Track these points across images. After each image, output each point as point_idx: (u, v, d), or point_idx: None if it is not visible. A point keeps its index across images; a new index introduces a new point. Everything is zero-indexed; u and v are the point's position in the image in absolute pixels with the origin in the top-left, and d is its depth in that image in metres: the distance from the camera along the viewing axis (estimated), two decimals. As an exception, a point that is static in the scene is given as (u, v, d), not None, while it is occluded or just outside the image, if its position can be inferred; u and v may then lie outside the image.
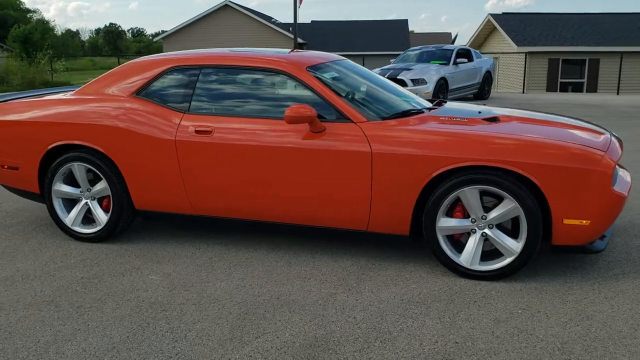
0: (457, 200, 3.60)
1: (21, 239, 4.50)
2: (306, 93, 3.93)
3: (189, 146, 3.98)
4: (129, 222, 4.39)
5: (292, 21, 23.39)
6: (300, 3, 24.39)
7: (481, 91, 15.86)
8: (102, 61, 70.48)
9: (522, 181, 3.50)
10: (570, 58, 24.07)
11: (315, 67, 4.08)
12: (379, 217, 3.74)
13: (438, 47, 15.63)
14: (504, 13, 28.01)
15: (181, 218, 4.24)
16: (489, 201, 3.65)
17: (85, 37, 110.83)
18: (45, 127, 4.29)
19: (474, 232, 3.64)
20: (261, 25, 36.71)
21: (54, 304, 3.36)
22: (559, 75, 24.13)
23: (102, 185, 4.27)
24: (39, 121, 4.32)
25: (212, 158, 3.95)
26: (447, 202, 3.58)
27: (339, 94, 3.89)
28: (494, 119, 3.90)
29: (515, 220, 3.59)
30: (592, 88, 23.99)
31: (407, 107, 4.15)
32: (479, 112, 4.11)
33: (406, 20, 45.33)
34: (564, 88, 24.27)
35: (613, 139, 3.85)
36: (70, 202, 4.50)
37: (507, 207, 3.49)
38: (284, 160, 3.80)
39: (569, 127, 3.92)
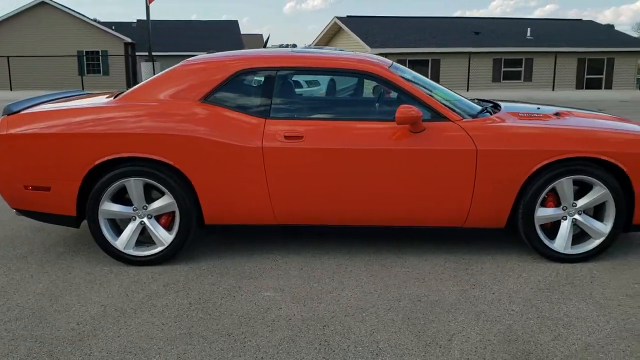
0: (551, 190, 3.85)
1: (60, 270, 3.87)
2: (394, 93, 3.92)
3: (279, 153, 3.75)
4: (193, 240, 4.00)
5: (115, 20, 22.18)
6: (151, 1, 23.33)
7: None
8: None
9: (608, 168, 3.85)
10: (415, 59, 26.01)
11: (394, 68, 4.08)
12: (478, 212, 3.86)
13: (339, 50, 15.93)
14: (348, 16, 29.37)
15: (256, 229, 3.97)
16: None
17: None
18: (92, 139, 3.74)
19: (565, 219, 3.92)
20: (83, 23, 34.47)
21: (198, 335, 2.99)
22: (407, 75, 25.99)
23: (165, 201, 3.84)
24: (83, 132, 3.75)
25: (305, 164, 3.76)
26: (545, 193, 3.81)
27: (429, 94, 3.93)
28: (557, 114, 4.22)
29: (598, 205, 3.94)
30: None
31: (480, 106, 4.31)
32: (538, 108, 4.41)
33: (236, 22, 45.49)
34: (411, 86, 26.13)
35: None
36: (113, 223, 3.98)
37: (598, 193, 3.82)
38: (384, 162, 3.75)
39: (616, 119, 4.37)
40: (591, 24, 33.12)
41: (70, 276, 3.76)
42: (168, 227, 3.93)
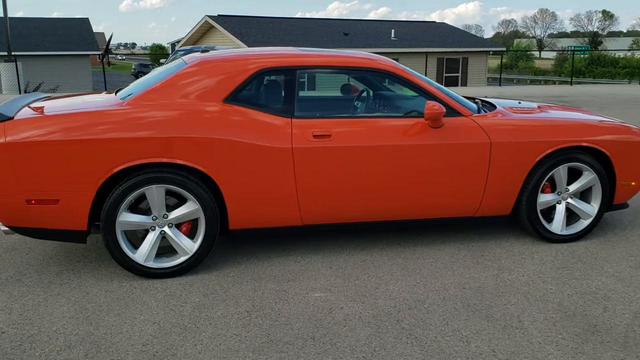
0: (549, 177, 4.20)
1: (74, 290, 3.51)
2: (408, 90, 4.03)
3: (309, 153, 3.71)
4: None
5: None
6: (7, -3, 21.34)
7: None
8: None
9: (594, 155, 4.29)
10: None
11: (402, 66, 4.19)
12: (489, 201, 4.11)
13: (210, 48, 15.66)
14: (220, 15, 28.99)
15: (277, 231, 3.90)
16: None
17: None
18: (111, 144, 3.44)
19: (560, 203, 4.30)
20: None
21: (282, 342, 2.89)
22: (285, 74, 26.28)
23: (189, 208, 3.63)
24: (100, 138, 3.43)
25: (333, 163, 3.76)
26: (545, 181, 4.16)
27: (440, 89, 4.10)
28: (539, 107, 4.60)
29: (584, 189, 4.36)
30: (311, 86, 26.81)
31: (476, 101, 4.57)
32: (519, 103, 4.77)
33: (87, 19, 42.98)
34: (288, 86, 26.50)
35: None
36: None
37: (588, 178, 4.24)
38: (410, 157, 3.86)
39: (586, 112, 4.86)
40: (445, 25, 35.70)
41: (91, 296, 3.43)
42: (189, 235, 3.73)
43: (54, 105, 3.76)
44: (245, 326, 3.06)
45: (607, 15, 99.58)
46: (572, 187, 4.28)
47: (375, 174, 3.83)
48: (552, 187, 4.27)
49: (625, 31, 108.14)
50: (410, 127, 3.90)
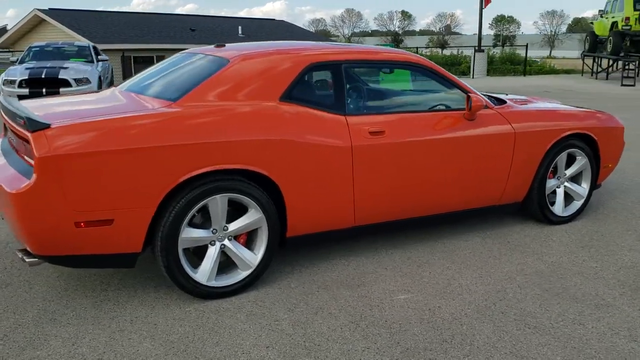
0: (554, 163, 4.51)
1: (138, 325, 3.03)
2: (441, 84, 4.06)
3: (366, 150, 3.59)
4: (269, 257, 3.55)
5: None
6: None
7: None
8: None
9: (583, 141, 4.69)
10: (140, 55, 24.88)
11: (426, 61, 4.21)
12: (510, 189, 4.30)
13: (69, 44, 14.32)
14: (51, 9, 26.43)
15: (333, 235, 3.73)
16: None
17: None
18: (175, 151, 3.00)
19: (559, 187, 4.64)
20: None
21: (422, 348, 2.77)
22: (133, 71, 24.71)
23: (251, 218, 3.31)
24: (163, 145, 2.97)
25: (389, 159, 3.68)
26: (552, 166, 4.46)
27: (466, 84, 4.19)
28: (530, 100, 4.91)
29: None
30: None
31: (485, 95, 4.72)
32: (507, 95, 5.02)
33: None
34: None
35: None
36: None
37: (581, 163, 4.63)
38: (457, 150, 3.90)
39: (555, 101, 5.27)
40: (285, 23, 36.20)
41: (164, 327, 2.98)
42: (248, 247, 3.41)
43: (84, 108, 3.19)
44: (366, 338, 2.88)
45: (406, 16, 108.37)
46: (569, 172, 4.63)
47: (427, 168, 3.81)
48: (553, 172, 4.58)
49: (418, 30, 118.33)
50: (449, 119, 3.93)
